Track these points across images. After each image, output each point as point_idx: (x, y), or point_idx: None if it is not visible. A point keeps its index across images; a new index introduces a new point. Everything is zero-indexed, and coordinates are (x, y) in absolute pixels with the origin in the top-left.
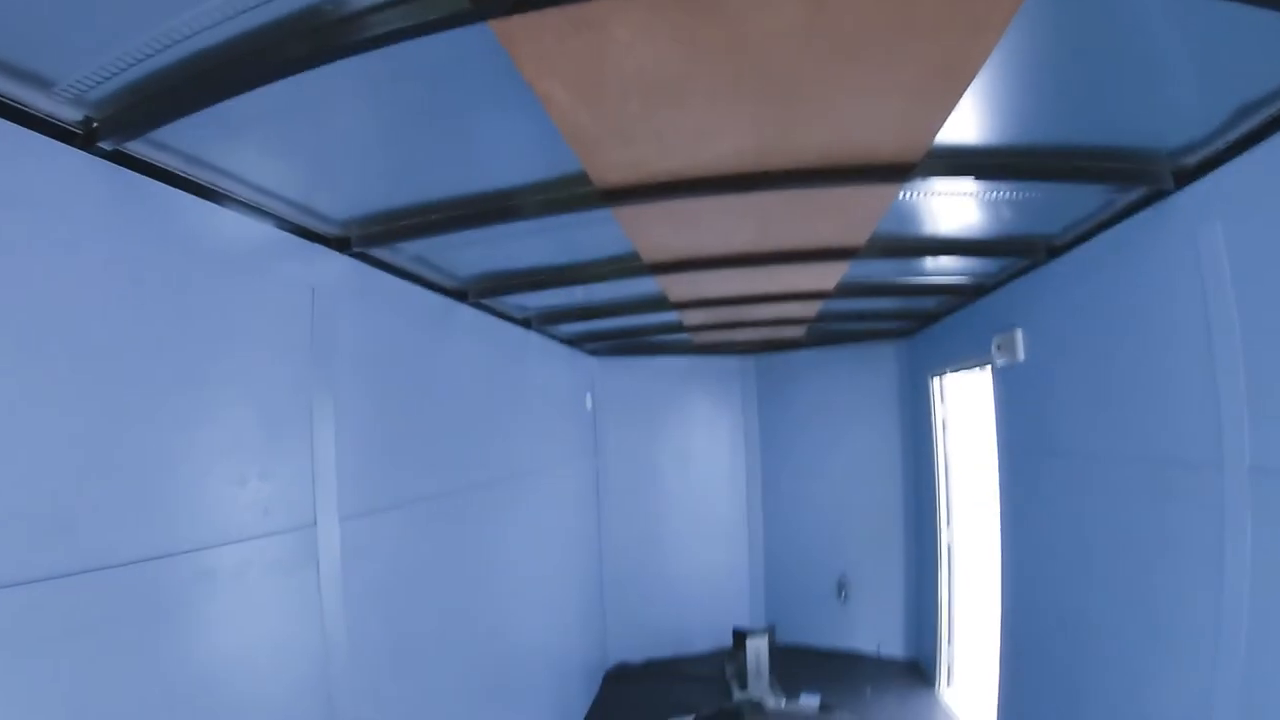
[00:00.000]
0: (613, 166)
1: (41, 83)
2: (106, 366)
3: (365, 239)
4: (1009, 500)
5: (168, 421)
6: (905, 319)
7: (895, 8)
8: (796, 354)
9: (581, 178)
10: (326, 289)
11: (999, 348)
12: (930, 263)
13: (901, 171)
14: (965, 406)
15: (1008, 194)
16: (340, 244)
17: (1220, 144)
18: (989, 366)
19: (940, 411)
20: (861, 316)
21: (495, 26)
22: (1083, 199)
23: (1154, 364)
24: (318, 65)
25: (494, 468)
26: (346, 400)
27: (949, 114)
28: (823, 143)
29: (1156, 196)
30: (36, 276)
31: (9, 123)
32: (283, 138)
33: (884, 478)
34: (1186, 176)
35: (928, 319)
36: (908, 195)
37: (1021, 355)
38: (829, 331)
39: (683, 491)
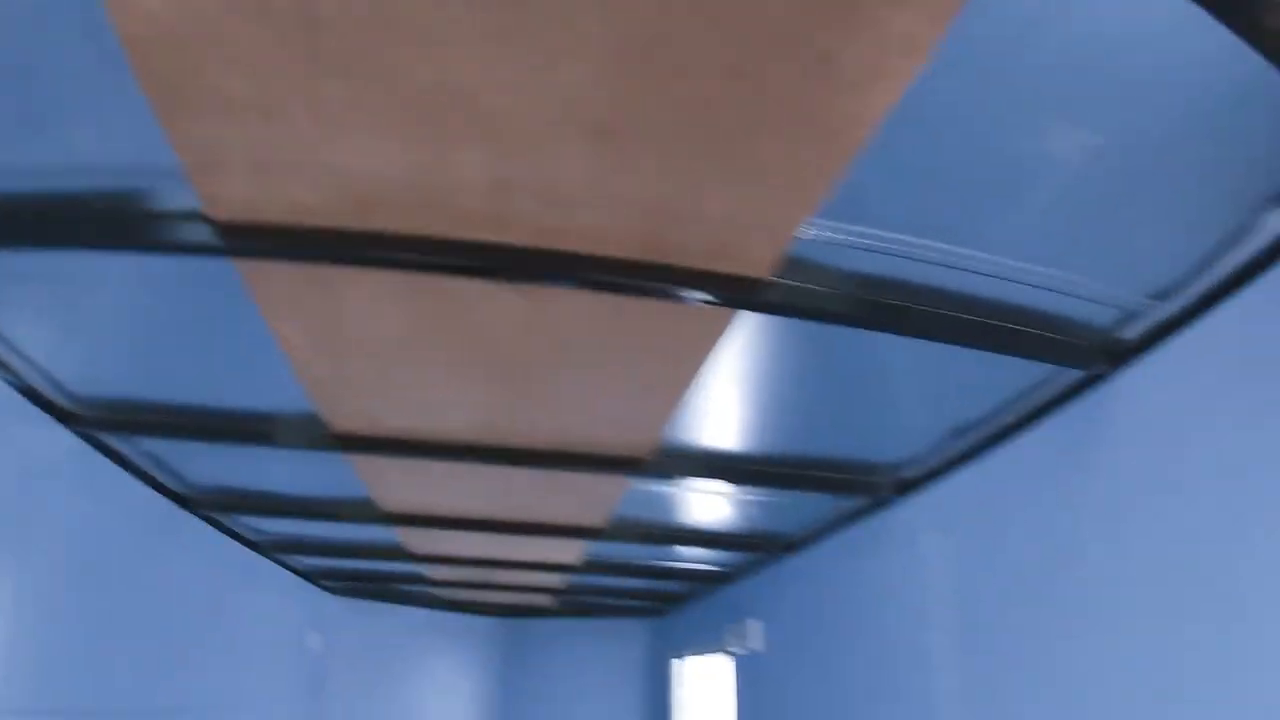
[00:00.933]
0: (345, 415)
1: None
2: None
3: (97, 422)
4: None
5: None
6: (654, 599)
7: (608, 325)
8: (547, 622)
9: (317, 419)
10: (42, 460)
11: (736, 636)
12: (677, 549)
13: (632, 465)
14: (707, 691)
15: (747, 495)
16: (69, 420)
17: (937, 460)
18: (730, 653)
19: (679, 695)
20: (610, 593)
21: (239, 264)
22: (816, 503)
23: (876, 660)
24: (102, 248)
25: (192, 694)
26: (36, 583)
27: (667, 422)
28: (553, 429)
29: (881, 505)
30: None
31: None
32: (45, 301)
33: None
34: (907, 488)
35: (676, 601)
36: (646, 487)
37: (760, 645)
38: (579, 604)
39: None
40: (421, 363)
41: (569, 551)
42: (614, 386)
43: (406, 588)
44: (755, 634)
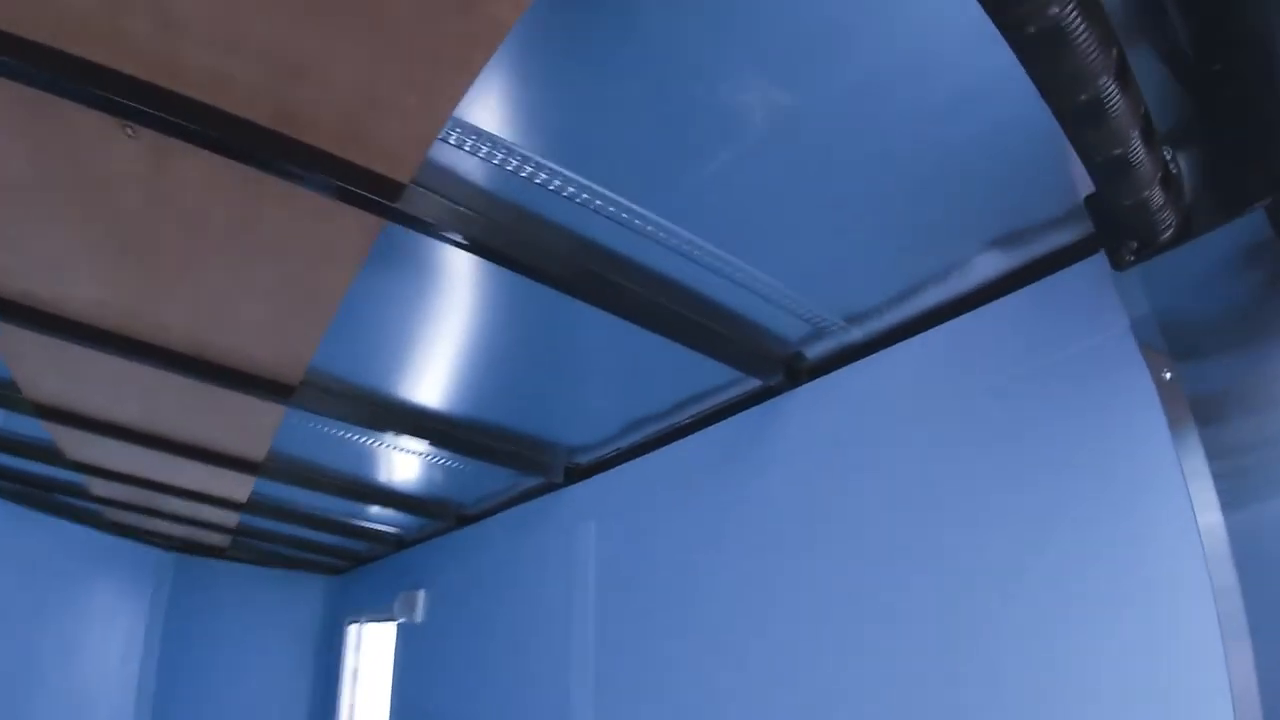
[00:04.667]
0: None
1: None
2: None
3: None
4: None
5: None
6: (335, 555)
7: (240, 206)
8: (222, 565)
9: None
10: None
11: (404, 605)
12: (353, 505)
13: (282, 391)
14: (378, 659)
15: (422, 455)
16: None
17: (609, 450)
18: (398, 622)
19: (353, 660)
20: (288, 542)
21: None
22: (493, 476)
23: (522, 638)
24: None
25: None
26: None
27: (314, 341)
28: (191, 329)
29: (552, 487)
30: None
31: None
32: None
33: (287, 716)
34: (577, 474)
35: (357, 561)
36: (309, 425)
37: (421, 615)
38: (256, 550)
39: (59, 686)
40: (44, 212)
41: (237, 486)
42: (251, 287)
43: (67, 499)
44: (418, 603)
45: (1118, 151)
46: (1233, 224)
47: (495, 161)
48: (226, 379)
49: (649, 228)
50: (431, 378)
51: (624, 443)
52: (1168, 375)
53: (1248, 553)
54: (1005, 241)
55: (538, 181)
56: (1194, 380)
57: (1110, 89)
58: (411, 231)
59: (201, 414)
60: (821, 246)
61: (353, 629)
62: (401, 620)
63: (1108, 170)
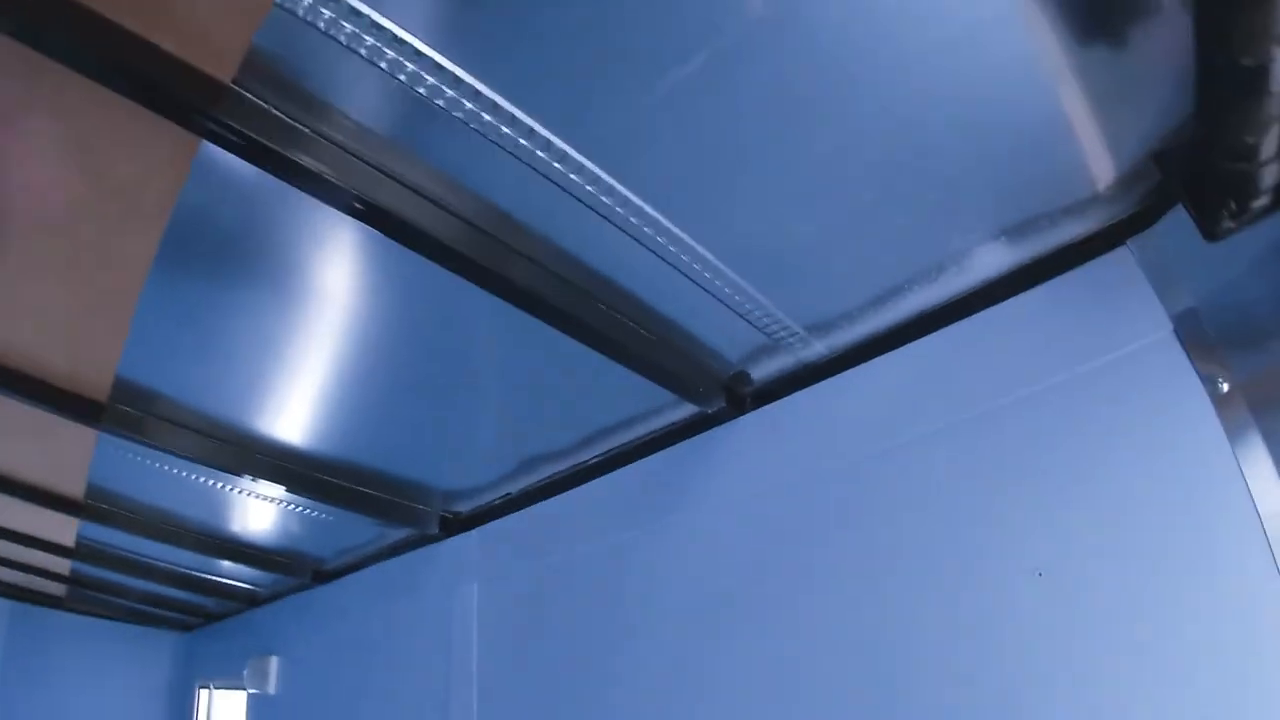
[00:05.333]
0: None
1: None
2: None
3: None
4: None
5: None
6: (182, 611)
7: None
8: (62, 616)
9: None
10: None
11: (252, 673)
12: (193, 554)
13: (87, 409)
14: None
15: (274, 500)
16: None
17: (497, 496)
18: (249, 691)
19: None
20: (129, 594)
21: None
22: (354, 527)
23: (396, 712)
24: None
25: None
26: None
27: (120, 337)
28: None
29: (425, 540)
30: None
31: None
32: None
33: None
34: (455, 526)
35: (208, 617)
36: (132, 457)
37: (274, 687)
38: (97, 601)
39: None
40: None
41: (60, 529)
42: (37, 250)
43: None
44: (270, 672)
45: (1268, 48)
46: None
47: (349, 42)
48: (17, 386)
49: (559, 166)
50: (274, 402)
51: (514, 487)
52: (1225, 387)
53: None
54: (1014, 230)
55: (404, 78)
56: (1252, 368)
57: None
58: (246, 182)
59: (3, 436)
60: (787, 225)
61: (203, 694)
62: (252, 691)
63: (1239, 83)
